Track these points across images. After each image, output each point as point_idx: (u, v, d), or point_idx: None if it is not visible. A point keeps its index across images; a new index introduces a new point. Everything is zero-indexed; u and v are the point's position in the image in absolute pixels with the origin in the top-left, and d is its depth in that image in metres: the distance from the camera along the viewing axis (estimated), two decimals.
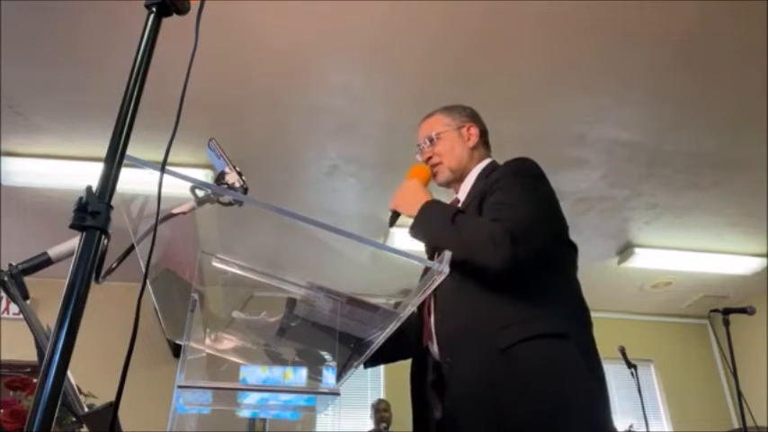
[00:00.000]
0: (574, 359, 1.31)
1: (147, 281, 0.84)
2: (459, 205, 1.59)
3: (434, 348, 1.46)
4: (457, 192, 1.69)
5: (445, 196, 1.69)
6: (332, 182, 3.96)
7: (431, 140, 1.68)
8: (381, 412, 4.83)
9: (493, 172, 1.56)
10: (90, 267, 0.71)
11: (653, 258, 4.84)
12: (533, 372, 1.27)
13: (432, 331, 1.47)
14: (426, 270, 1.39)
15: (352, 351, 1.29)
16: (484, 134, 1.73)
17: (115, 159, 0.77)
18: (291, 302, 1.28)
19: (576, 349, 1.32)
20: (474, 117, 1.74)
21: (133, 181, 0.89)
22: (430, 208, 1.47)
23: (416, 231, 1.48)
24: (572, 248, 1.52)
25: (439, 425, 1.43)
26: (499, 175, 1.50)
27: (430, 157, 1.68)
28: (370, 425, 4.87)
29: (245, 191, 1.26)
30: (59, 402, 0.65)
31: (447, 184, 1.70)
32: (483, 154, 1.71)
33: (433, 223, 1.45)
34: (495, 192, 1.45)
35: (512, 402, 1.25)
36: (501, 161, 1.62)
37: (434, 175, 1.68)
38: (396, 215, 1.57)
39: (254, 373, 1.25)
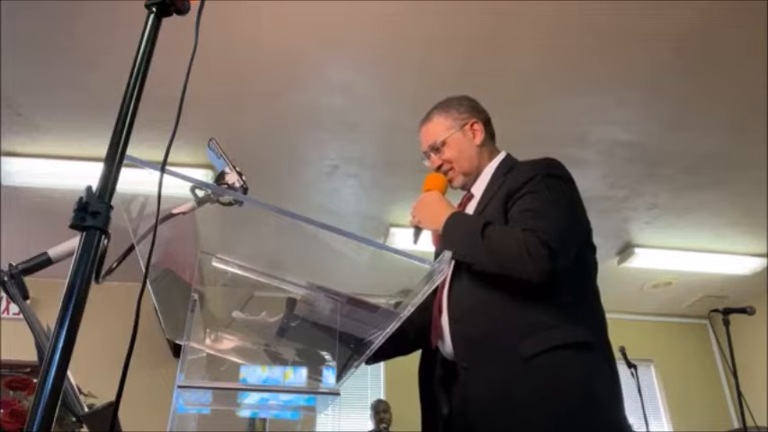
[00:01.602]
0: (598, 370, 1.30)
1: (147, 281, 0.84)
2: (475, 202, 1.54)
3: (445, 348, 1.44)
4: (469, 189, 1.63)
5: (460, 196, 1.66)
6: (332, 182, 3.96)
7: (437, 149, 1.61)
8: (381, 413, 4.83)
9: (512, 169, 1.50)
10: (90, 267, 0.71)
11: (653, 258, 4.84)
12: (560, 385, 1.24)
13: (443, 331, 1.44)
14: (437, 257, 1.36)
15: (352, 351, 1.29)
16: (488, 125, 1.65)
17: (115, 159, 0.77)
18: (291, 302, 1.28)
19: (599, 359, 1.31)
20: (474, 109, 1.66)
21: (133, 181, 0.89)
22: (455, 221, 1.41)
23: (445, 248, 1.39)
24: (593, 250, 1.49)
25: (446, 422, 1.42)
26: (526, 175, 1.43)
27: (440, 165, 1.61)
28: (370, 425, 4.87)
29: (245, 191, 1.26)
30: (59, 402, 0.65)
31: (463, 187, 1.64)
32: (492, 147, 1.64)
33: (462, 237, 1.37)
34: (522, 196, 1.39)
35: (537, 414, 1.23)
36: None
37: (450, 182, 1.62)
38: (419, 231, 1.51)
39: (254, 373, 1.25)
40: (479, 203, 1.53)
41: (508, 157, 1.62)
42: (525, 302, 1.31)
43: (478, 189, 1.58)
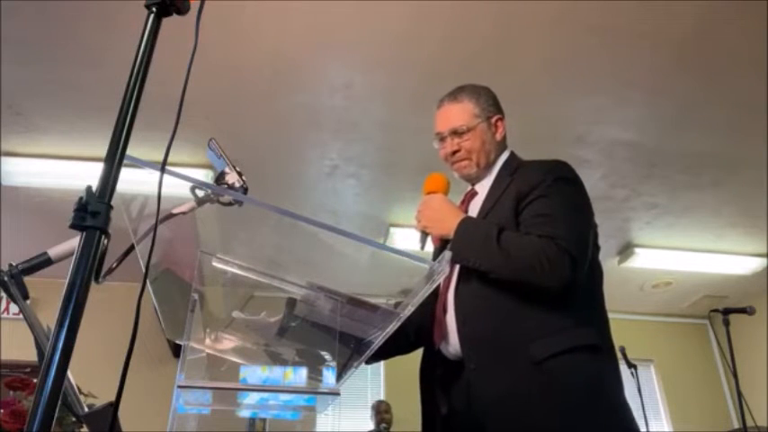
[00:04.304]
0: (606, 373, 1.31)
1: (147, 281, 0.84)
2: (480, 200, 1.52)
3: (449, 348, 1.43)
4: (473, 185, 1.59)
5: (461, 185, 1.64)
6: (332, 182, 3.96)
7: (460, 134, 1.52)
8: (382, 413, 4.83)
9: (518, 169, 1.48)
10: (90, 267, 0.71)
11: (653, 258, 4.84)
12: (572, 389, 1.24)
13: (448, 331, 1.43)
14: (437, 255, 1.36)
15: (352, 351, 1.29)
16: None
17: (115, 159, 0.77)
18: (291, 302, 1.28)
19: (607, 362, 1.32)
20: (498, 106, 1.61)
21: (133, 181, 0.89)
22: (467, 228, 1.37)
23: (457, 255, 1.34)
24: (598, 251, 1.48)
25: (445, 422, 1.42)
26: (536, 178, 1.40)
27: (457, 151, 1.53)
28: (371, 425, 4.87)
29: (245, 191, 1.26)
30: (59, 402, 0.65)
31: (470, 179, 1.59)
32: (504, 145, 1.61)
33: (476, 245, 1.33)
34: (534, 199, 1.37)
35: (548, 417, 1.23)
36: None
37: (460, 169, 1.56)
38: (425, 235, 1.46)
39: (254, 373, 1.25)
40: (485, 203, 1.50)
41: (512, 155, 1.59)
42: (536, 304, 1.30)
43: (483, 187, 1.55)
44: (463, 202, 1.59)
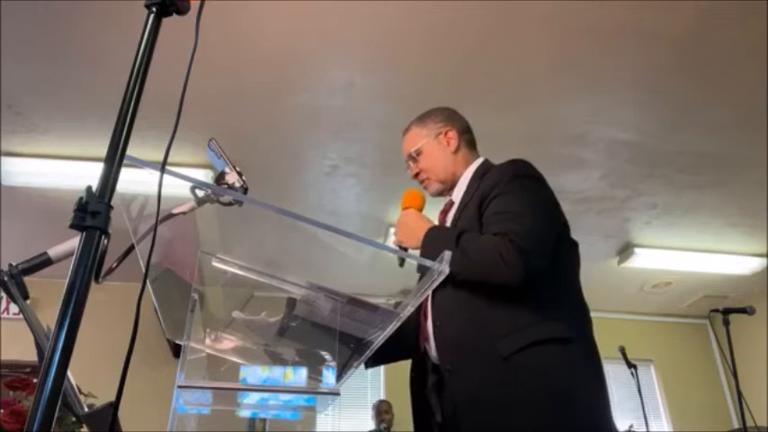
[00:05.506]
0: (577, 365, 1.30)
1: (147, 281, 0.84)
2: (455, 208, 1.58)
3: (432, 353, 1.45)
4: (451, 196, 1.66)
5: (441, 203, 1.68)
6: (332, 182, 3.96)
7: (413, 157, 1.67)
8: (382, 413, 4.84)
9: (487, 173, 1.53)
10: (90, 267, 0.71)
11: (653, 258, 4.84)
12: (538, 381, 1.25)
13: (429, 335, 1.46)
14: (423, 273, 1.38)
15: (352, 351, 1.29)
16: (464, 133, 1.69)
17: (115, 159, 0.77)
18: (291, 302, 1.28)
19: (579, 354, 1.31)
20: (449, 118, 1.70)
21: (133, 181, 0.89)
22: (432, 235, 1.44)
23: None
24: (573, 246, 1.50)
25: (440, 428, 1.42)
26: (495, 178, 1.45)
27: (418, 173, 1.67)
28: (371, 425, 4.87)
29: (245, 191, 1.26)
30: (59, 402, 0.65)
31: (440, 194, 1.68)
32: (469, 154, 1.67)
33: (439, 250, 1.37)
34: (493, 198, 1.41)
35: (518, 411, 1.24)
36: (501, 161, 1.61)
37: (425, 188, 1.67)
38: (404, 249, 1.53)
39: (255, 373, 1.25)
40: (457, 210, 1.56)
41: (485, 162, 1.64)
42: (503, 302, 1.32)
43: (457, 196, 1.61)
44: (443, 212, 1.65)
